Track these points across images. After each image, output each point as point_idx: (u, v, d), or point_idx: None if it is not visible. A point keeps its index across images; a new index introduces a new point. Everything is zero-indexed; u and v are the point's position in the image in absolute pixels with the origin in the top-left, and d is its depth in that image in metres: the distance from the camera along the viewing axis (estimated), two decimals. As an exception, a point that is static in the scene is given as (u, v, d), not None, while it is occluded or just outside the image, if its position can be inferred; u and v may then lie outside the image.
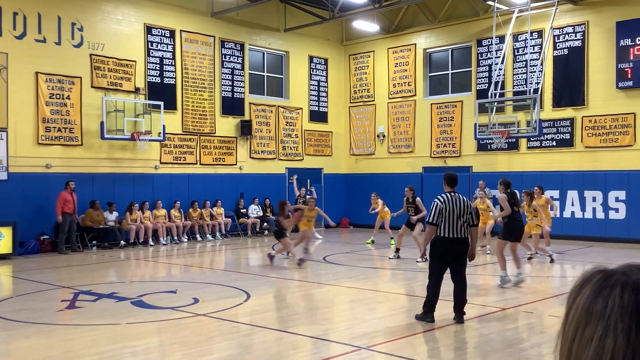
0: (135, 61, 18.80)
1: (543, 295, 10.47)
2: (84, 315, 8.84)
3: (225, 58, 21.16)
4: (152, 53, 19.26)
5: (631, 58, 17.77)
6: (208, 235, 19.53)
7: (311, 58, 23.86)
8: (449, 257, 8.25)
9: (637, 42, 17.65)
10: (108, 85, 18.21)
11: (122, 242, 17.45)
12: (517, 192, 11.95)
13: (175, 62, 19.79)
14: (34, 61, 16.77)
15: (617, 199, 18.20)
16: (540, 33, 19.72)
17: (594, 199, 18.53)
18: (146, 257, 16.05)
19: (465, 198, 8.39)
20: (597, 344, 0.98)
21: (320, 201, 23.83)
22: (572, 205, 19.00)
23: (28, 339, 7.56)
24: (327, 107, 24.42)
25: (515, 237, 11.25)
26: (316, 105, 24.05)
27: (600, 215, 18.44)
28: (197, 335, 7.66)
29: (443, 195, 8.36)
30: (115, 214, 17.73)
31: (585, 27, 18.87)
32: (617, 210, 18.16)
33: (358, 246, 18.01)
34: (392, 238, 17.13)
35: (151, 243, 18.02)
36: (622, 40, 17.91)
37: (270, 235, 20.79)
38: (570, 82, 19.16)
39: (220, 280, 12.01)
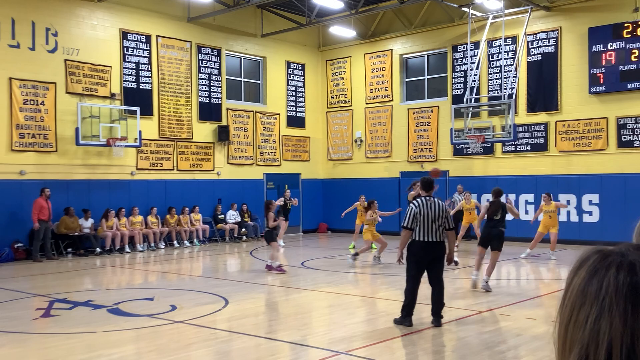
0: (110, 66, 18.66)
1: (519, 297, 10.58)
2: (59, 324, 8.73)
3: (202, 63, 21.10)
4: (127, 58, 19.12)
5: (603, 63, 18.09)
6: (185, 242, 19.41)
7: (288, 63, 23.88)
8: (425, 260, 8.32)
9: (609, 48, 17.97)
10: (83, 90, 18.04)
11: (98, 249, 17.26)
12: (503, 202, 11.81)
13: (151, 68, 19.68)
14: (8, 67, 16.55)
15: (590, 202, 18.48)
16: (514, 39, 19.98)
17: (568, 203, 18.78)
18: (122, 264, 15.90)
19: (441, 202, 8.48)
20: (592, 326, 0.97)
21: (298, 206, 23.86)
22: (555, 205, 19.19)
23: (2, 348, 7.44)
24: (304, 112, 24.45)
25: (486, 244, 11.22)
26: (293, 111, 24.07)
27: (574, 218, 18.71)
28: (175, 343, 7.61)
29: (418, 199, 8.46)
30: (90, 220, 17.54)
31: (558, 33, 19.17)
32: (590, 213, 18.44)
33: (336, 251, 18.03)
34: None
35: (127, 250, 17.85)
36: (594, 46, 18.23)
37: (248, 240, 20.77)
38: (543, 88, 19.44)
39: (198, 286, 11.95)
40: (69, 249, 17.09)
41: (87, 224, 17.47)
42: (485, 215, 11.19)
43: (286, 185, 21.90)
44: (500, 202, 11.24)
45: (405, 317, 8.26)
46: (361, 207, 17.20)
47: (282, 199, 18.64)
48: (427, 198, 8.44)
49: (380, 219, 15.23)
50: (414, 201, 8.46)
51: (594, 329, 0.96)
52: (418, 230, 8.25)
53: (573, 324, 0.99)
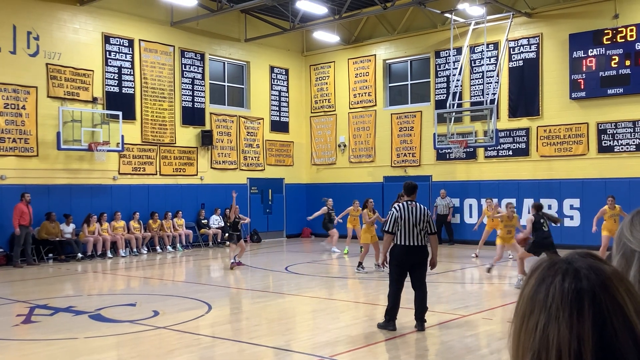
0: (92, 70, 18.53)
1: (502, 301, 10.66)
2: (40, 330, 8.64)
3: (185, 68, 21.03)
4: (110, 62, 19.01)
5: (584, 69, 18.31)
6: (168, 247, 19.29)
7: (272, 68, 23.89)
8: (407, 264, 8.35)
9: (590, 54, 18.19)
10: (65, 95, 17.89)
11: (80, 255, 17.10)
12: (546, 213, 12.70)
13: (134, 72, 19.57)
14: (-12, 70, 16.39)
15: (571, 207, 18.67)
16: (496, 45, 20.16)
17: (550, 207, 18.93)
18: (104, 269, 15.77)
19: (423, 206, 8.51)
20: (541, 333, 0.98)
21: (281, 211, 23.85)
22: (529, 213, 19.34)
23: (-19, 355, 7.35)
24: (288, 117, 24.45)
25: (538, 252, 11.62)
26: (277, 116, 24.07)
27: (555, 222, 18.85)
28: (157, 349, 7.56)
29: (399, 204, 8.55)
30: (72, 225, 17.38)
31: (539, 39, 19.38)
32: (572, 217, 18.62)
33: (320, 256, 18.02)
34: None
35: (110, 255, 17.71)
36: (574, 52, 18.44)
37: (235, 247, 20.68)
38: (525, 93, 19.62)
39: (181, 292, 11.88)
40: (50, 255, 16.92)
41: (68, 229, 17.31)
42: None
43: (325, 199, 19.74)
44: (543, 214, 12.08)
45: (389, 322, 8.28)
46: (355, 212, 16.93)
47: (326, 208, 18.47)
48: (409, 202, 8.49)
49: (382, 218, 14.84)
50: (395, 205, 8.55)
51: (543, 336, 0.98)
52: (399, 235, 8.30)
53: (524, 332, 1.01)
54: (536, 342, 0.99)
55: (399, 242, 8.31)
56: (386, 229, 8.39)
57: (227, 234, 16.90)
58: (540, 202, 13.92)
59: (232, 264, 15.11)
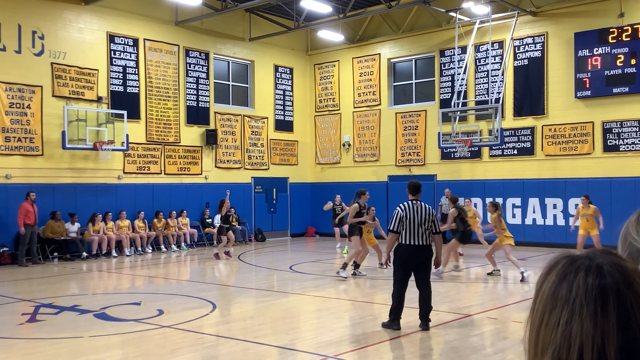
0: (97, 70, 18.56)
1: (507, 301, 10.63)
2: (45, 329, 8.66)
3: (189, 67, 21.04)
4: (114, 62, 19.04)
5: (589, 68, 18.24)
6: (173, 246, 19.32)
7: (276, 67, 23.88)
8: (411, 264, 8.33)
9: (595, 53, 18.13)
10: (70, 94, 17.93)
11: (85, 254, 17.14)
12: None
13: (138, 71, 19.60)
14: (-7, 70, 16.45)
15: (577, 206, 18.55)
16: (501, 44, 20.11)
17: (555, 206, 18.91)
18: (109, 268, 15.80)
19: (428, 206, 8.50)
20: (563, 329, 0.98)
21: (286, 210, 23.86)
22: (534, 212, 19.37)
23: (-13, 354, 7.37)
24: (292, 116, 24.45)
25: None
26: (282, 115, 24.07)
27: (560, 222, 18.82)
28: (162, 348, 7.57)
29: (404, 203, 8.50)
30: (77, 225, 17.42)
31: (544, 38, 19.32)
32: (577, 217, 18.53)
33: (324, 255, 18.02)
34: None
35: (114, 254, 17.74)
36: (580, 51, 18.38)
37: (236, 244, 20.72)
38: (530, 92, 19.57)
39: (185, 291, 11.89)
40: (55, 254, 16.96)
41: (73, 228, 17.35)
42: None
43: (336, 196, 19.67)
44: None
45: (393, 321, 8.27)
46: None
47: (331, 203, 18.52)
48: (414, 202, 8.47)
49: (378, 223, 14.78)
50: (400, 205, 8.50)
51: (565, 332, 0.98)
52: (404, 234, 8.28)
53: (544, 328, 1.01)
54: (558, 338, 0.99)
55: (403, 242, 8.30)
56: (391, 228, 8.37)
57: (218, 226, 18.42)
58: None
59: (225, 254, 16.64)
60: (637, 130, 17.73)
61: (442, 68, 21.55)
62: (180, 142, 20.59)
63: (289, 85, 24.34)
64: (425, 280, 8.38)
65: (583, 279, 1.00)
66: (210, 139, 21.18)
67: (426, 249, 8.35)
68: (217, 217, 21.02)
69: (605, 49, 17.93)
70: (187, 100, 20.88)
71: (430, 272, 8.49)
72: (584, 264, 1.03)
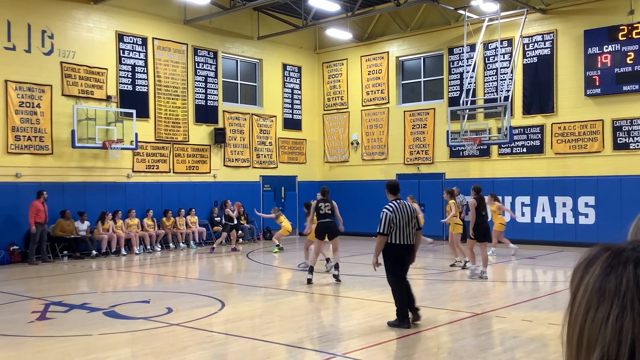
0: (106, 69, 18.63)
1: (515, 299, 10.59)
2: (55, 327, 8.71)
3: (198, 66, 21.09)
4: (123, 61, 19.10)
5: (599, 66, 18.14)
6: (182, 244, 19.38)
7: (285, 66, 23.89)
8: (402, 262, 8.53)
9: (605, 50, 18.02)
10: (79, 93, 18.01)
11: (94, 252, 17.22)
12: (485, 197, 13.18)
13: (147, 70, 19.65)
14: (4, 69, 16.52)
15: (586, 205, 18.51)
16: (510, 41, 20.02)
17: (564, 205, 18.82)
18: (118, 267, 15.86)
19: (409, 204, 8.71)
20: (614, 324, 0.93)
21: (294, 209, 23.86)
22: (543, 210, 19.28)
23: (-3, 351, 7.41)
24: (300, 114, 24.45)
25: (483, 238, 12.61)
26: (290, 113, 24.07)
27: (570, 220, 18.73)
28: (171, 346, 7.59)
29: (391, 204, 8.58)
30: (86, 223, 17.51)
31: (554, 35, 19.22)
32: (586, 215, 18.47)
33: (332, 253, 17.97)
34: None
35: (124, 253, 17.82)
36: (589, 49, 18.27)
37: (245, 242, 20.77)
38: (539, 90, 19.48)
39: (194, 289, 11.93)
40: (65, 252, 17.05)
41: (83, 226, 17.43)
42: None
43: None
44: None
45: (402, 320, 8.28)
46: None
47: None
48: (398, 201, 8.61)
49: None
50: (388, 206, 8.55)
51: (615, 328, 0.93)
52: (395, 234, 8.39)
53: (590, 324, 0.95)
54: (607, 334, 0.93)
55: (395, 242, 8.41)
56: (382, 231, 8.40)
57: (223, 224, 19.02)
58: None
59: (232, 250, 17.95)
60: (648, 128, 17.61)
61: (451, 66, 21.48)
62: (189, 141, 20.64)
63: (297, 83, 24.34)
64: (406, 273, 8.65)
65: (633, 272, 0.94)
66: (219, 137, 21.22)
67: (412, 247, 8.59)
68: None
69: (615, 46, 17.82)
70: (195, 99, 20.92)
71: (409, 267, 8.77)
72: (631, 256, 0.96)
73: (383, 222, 8.38)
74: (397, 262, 8.44)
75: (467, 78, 20.16)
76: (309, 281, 12.22)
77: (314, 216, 13.20)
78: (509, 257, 16.02)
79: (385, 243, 8.42)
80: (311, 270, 12.47)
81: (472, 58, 20.26)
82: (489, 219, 16.84)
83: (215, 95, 21.54)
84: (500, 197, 20.00)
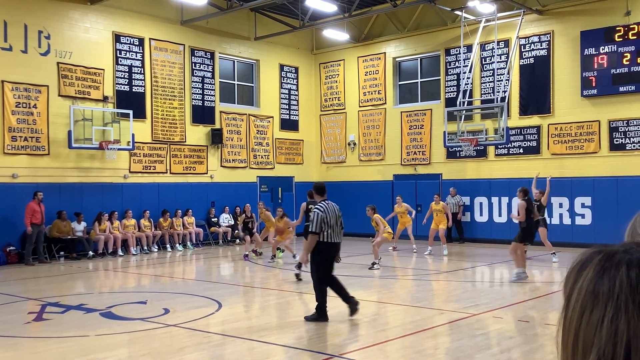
0: (103, 69, 18.62)
1: (512, 300, 10.61)
2: (52, 328, 8.69)
3: (195, 66, 21.08)
4: (120, 61, 19.08)
5: (595, 67, 18.18)
6: (178, 245, 19.36)
7: (282, 66, 23.89)
8: (331, 259, 8.96)
9: (601, 51, 18.06)
10: (76, 93, 17.99)
11: (91, 253, 17.20)
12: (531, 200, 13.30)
13: (144, 71, 19.64)
14: (0, 70, 16.49)
15: (583, 205, 18.55)
16: (506, 42, 20.06)
17: (561, 205, 18.85)
18: (115, 267, 15.84)
19: (335, 204, 9.15)
20: (609, 326, 0.93)
21: (291, 210, 23.85)
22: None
23: (-6, 352, 7.40)
24: (297, 115, 24.46)
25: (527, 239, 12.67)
26: (287, 114, 24.08)
27: (567, 221, 18.77)
28: (168, 346, 7.59)
29: (321, 204, 8.97)
30: (83, 224, 17.48)
31: (550, 36, 19.26)
32: (583, 216, 18.51)
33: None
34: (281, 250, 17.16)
35: (120, 253, 17.79)
36: (586, 50, 18.32)
37: (241, 243, 20.73)
38: (536, 91, 19.51)
39: (191, 290, 11.92)
40: (62, 253, 17.02)
41: (79, 227, 17.41)
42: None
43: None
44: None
45: (321, 315, 8.74)
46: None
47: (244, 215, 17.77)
48: (326, 202, 9.02)
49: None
50: (319, 206, 8.95)
51: (610, 330, 0.93)
52: (326, 233, 8.79)
53: (585, 327, 0.96)
54: (602, 337, 0.94)
55: (326, 240, 8.79)
56: (314, 230, 8.74)
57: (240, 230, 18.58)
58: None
59: (254, 254, 17.18)
60: (644, 128, 17.66)
61: (448, 67, 21.51)
62: (185, 142, 20.63)
63: (294, 84, 24.34)
64: (332, 270, 9.07)
65: (626, 274, 0.94)
66: (216, 138, 21.22)
67: (339, 245, 9.07)
68: (223, 217, 21.06)
69: (611, 47, 17.87)
70: (192, 99, 20.91)
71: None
72: (623, 258, 0.97)
73: (315, 221, 8.75)
74: (326, 260, 8.88)
75: (463, 79, 20.19)
76: (297, 277, 12.61)
77: (301, 218, 14.49)
78: (508, 257, 16.02)
79: (316, 241, 8.78)
80: (299, 266, 12.60)
81: (469, 59, 20.29)
82: (489, 219, 16.96)
83: (212, 95, 21.53)
84: (497, 198, 20.07)
